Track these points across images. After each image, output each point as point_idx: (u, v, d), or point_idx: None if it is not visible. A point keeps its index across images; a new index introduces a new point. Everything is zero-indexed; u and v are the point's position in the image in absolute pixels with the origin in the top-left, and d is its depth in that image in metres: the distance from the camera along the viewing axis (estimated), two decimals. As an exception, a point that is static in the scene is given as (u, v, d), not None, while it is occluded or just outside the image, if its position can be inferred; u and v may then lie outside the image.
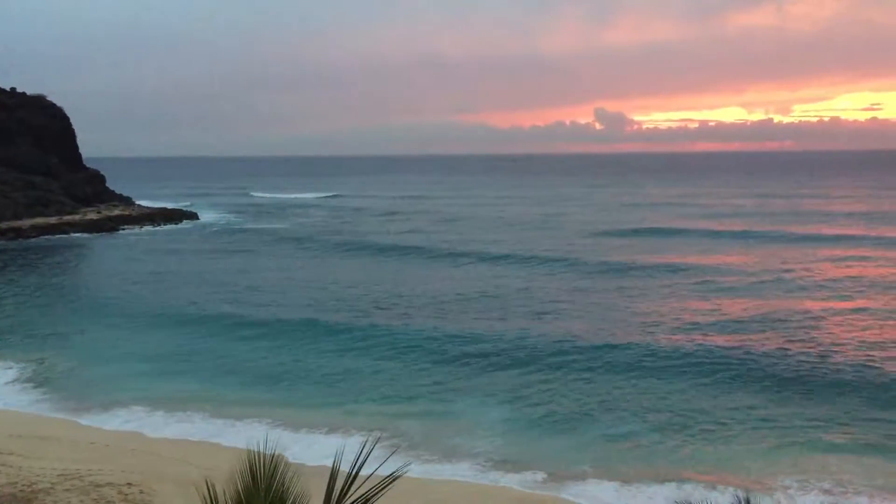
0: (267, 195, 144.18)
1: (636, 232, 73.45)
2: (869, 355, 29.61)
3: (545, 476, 20.29)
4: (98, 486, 18.80)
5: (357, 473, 6.64)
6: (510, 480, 20.26)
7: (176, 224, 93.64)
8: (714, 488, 18.48)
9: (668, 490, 18.51)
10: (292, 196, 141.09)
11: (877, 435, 21.91)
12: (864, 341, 31.55)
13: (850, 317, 35.88)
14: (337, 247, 67.20)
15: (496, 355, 31.53)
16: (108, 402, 27.03)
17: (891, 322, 34.84)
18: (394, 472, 6.82)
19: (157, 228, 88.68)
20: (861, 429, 22.44)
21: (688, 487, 18.58)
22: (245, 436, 23.07)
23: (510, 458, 21.67)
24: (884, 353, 29.72)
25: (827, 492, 18.09)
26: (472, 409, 26.00)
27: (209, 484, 6.56)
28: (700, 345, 32.07)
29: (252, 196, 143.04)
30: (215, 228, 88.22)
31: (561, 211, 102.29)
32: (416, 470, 20.43)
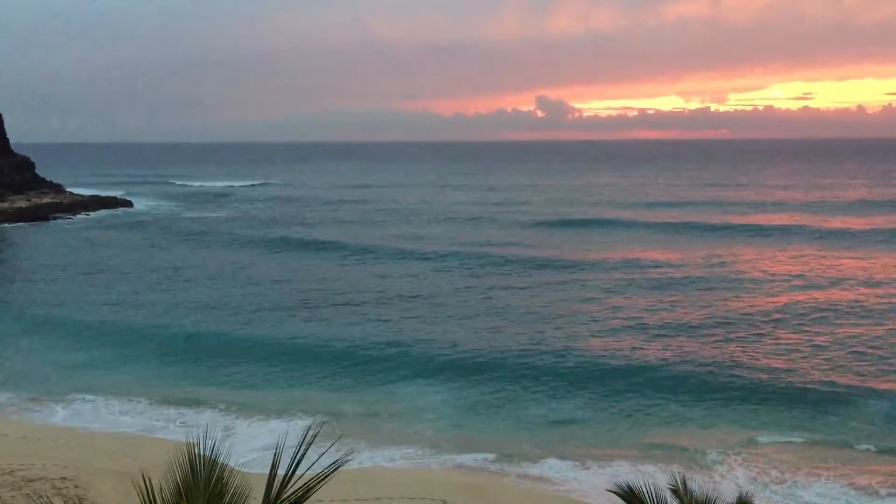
0: (200, 183, 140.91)
1: (574, 223, 73.05)
2: (798, 350, 30.48)
3: (495, 456, 21.01)
4: (30, 480, 18.29)
5: (298, 463, 6.57)
6: (462, 460, 20.83)
7: (110, 212, 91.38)
8: (656, 467, 19.78)
9: (619, 469, 19.63)
10: (226, 184, 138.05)
11: (795, 422, 23.18)
12: (798, 337, 32.15)
13: (787, 312, 36.19)
14: (268, 240, 64.72)
15: (435, 348, 31.62)
16: (41, 397, 26.35)
17: (824, 317, 35.31)
18: (336, 462, 6.76)
19: (91, 217, 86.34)
20: (782, 417, 23.62)
21: (644, 467, 19.77)
22: (184, 428, 22.80)
23: (459, 439, 22.30)
24: (814, 349, 30.56)
25: (745, 465, 20.04)
26: (416, 397, 26.28)
27: (146, 477, 6.41)
28: (634, 337, 32.83)
29: (186, 184, 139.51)
30: (149, 217, 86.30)
31: (498, 200, 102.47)
32: (363, 456, 20.70)
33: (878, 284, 42.34)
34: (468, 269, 49.68)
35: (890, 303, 37.77)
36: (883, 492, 18.20)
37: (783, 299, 39.09)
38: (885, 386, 25.91)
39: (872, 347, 30.26)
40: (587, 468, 20.22)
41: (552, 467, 20.34)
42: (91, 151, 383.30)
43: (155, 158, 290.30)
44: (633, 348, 30.82)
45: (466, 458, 21.01)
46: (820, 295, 39.72)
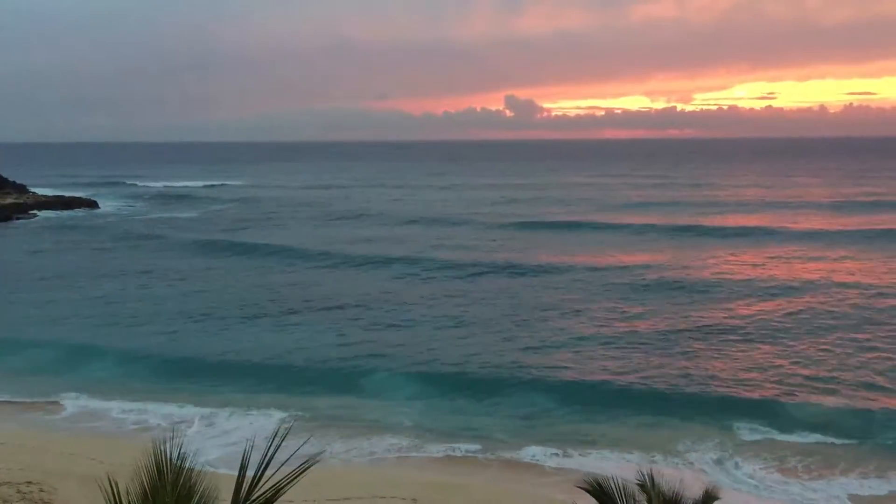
0: (169, 184, 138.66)
1: (543, 226, 71.68)
2: (761, 354, 30.78)
3: (480, 447, 22.01)
4: (-6, 486, 18.01)
5: (268, 464, 6.53)
6: (448, 450, 21.79)
7: (74, 212, 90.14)
8: (633, 454, 21.43)
9: (599, 456, 21.32)
10: (196, 184, 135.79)
11: (748, 420, 23.89)
12: (760, 342, 31.88)
13: (753, 317, 35.73)
14: (236, 243, 61.97)
15: (408, 351, 31.62)
16: (4, 400, 25.97)
17: (788, 326, 34.36)
18: (305, 462, 6.73)
19: (55, 217, 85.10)
20: (742, 415, 24.24)
21: (623, 454, 21.49)
22: (151, 429, 22.60)
23: (436, 432, 23.06)
24: (778, 354, 30.60)
25: (714, 450, 21.87)
26: (390, 397, 26.39)
27: (112, 480, 6.34)
28: (604, 339, 32.78)
29: (155, 185, 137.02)
30: (114, 218, 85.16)
31: (467, 199, 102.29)
32: (335, 454, 21.12)
33: (850, 286, 42.03)
34: (437, 272, 48.79)
35: (859, 312, 36.95)
36: (805, 477, 20.26)
37: (752, 303, 38.96)
38: (840, 391, 26.42)
39: (831, 353, 30.31)
40: (569, 456, 21.33)
41: (533, 454, 21.46)
42: (60, 151, 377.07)
43: (123, 158, 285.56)
44: (605, 348, 31.14)
45: (457, 447, 21.96)
46: (787, 301, 39.16)
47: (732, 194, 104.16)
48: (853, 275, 45.94)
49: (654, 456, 21.24)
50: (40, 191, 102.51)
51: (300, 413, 24.53)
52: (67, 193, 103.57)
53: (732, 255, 54.16)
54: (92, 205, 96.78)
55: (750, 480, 20.05)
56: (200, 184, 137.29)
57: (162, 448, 6.54)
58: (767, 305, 38.37)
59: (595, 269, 48.80)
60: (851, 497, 19.15)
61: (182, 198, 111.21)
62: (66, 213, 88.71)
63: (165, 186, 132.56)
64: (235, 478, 6.56)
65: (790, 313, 36.57)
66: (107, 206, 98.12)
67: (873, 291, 41.00)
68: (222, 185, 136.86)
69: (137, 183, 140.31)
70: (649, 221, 72.37)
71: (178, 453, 6.58)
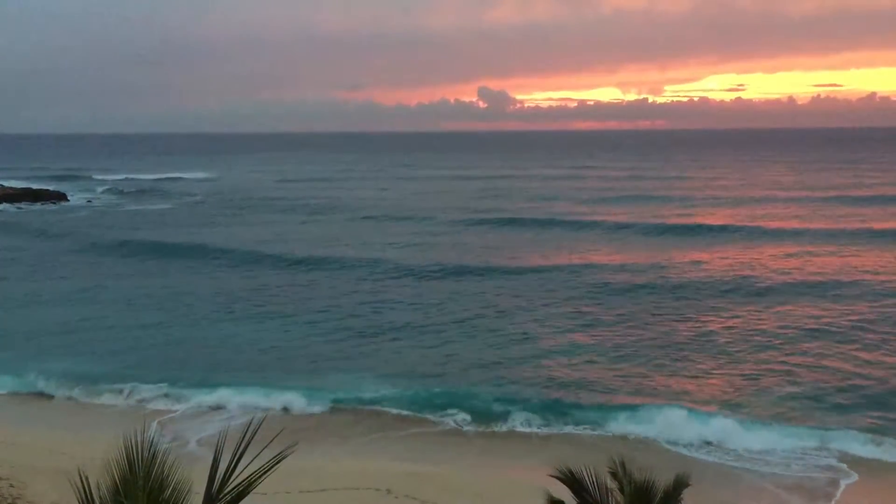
0: (138, 176, 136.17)
1: (515, 222, 69.39)
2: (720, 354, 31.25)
3: (468, 418, 23.63)
4: (-37, 482, 17.79)
5: (240, 457, 6.50)
6: (422, 441, 22.60)
7: (42, 205, 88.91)
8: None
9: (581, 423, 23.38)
10: (165, 176, 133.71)
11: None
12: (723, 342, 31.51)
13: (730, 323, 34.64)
14: (209, 244, 58.65)
15: (380, 350, 32.05)
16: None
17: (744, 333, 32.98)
18: (278, 454, 6.71)
19: (21, 210, 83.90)
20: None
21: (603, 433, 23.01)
22: (123, 422, 22.38)
23: (413, 422, 23.77)
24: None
25: (690, 432, 22.97)
26: (358, 387, 26.42)
27: (82, 475, 6.28)
28: (568, 339, 32.89)
29: (126, 177, 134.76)
30: (85, 212, 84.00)
31: (438, 191, 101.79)
32: (312, 440, 21.38)
33: (828, 286, 41.07)
34: (407, 273, 46.85)
35: (837, 312, 35.82)
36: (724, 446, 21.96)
37: (726, 303, 38.24)
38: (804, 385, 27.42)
39: (798, 351, 30.33)
40: (549, 424, 23.20)
41: (518, 419, 23.40)
42: (26, 143, 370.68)
43: (86, 150, 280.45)
44: (576, 350, 31.12)
45: (452, 418, 23.54)
46: (758, 300, 38.49)
47: (705, 186, 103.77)
48: (831, 273, 44.73)
49: (629, 429, 22.75)
50: (6, 183, 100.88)
51: (274, 406, 24.47)
52: (34, 185, 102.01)
53: (706, 253, 52.82)
54: (61, 197, 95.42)
55: (726, 457, 21.30)
56: (167, 176, 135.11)
57: (134, 441, 6.49)
58: (741, 307, 37.53)
59: (567, 269, 47.26)
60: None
61: (152, 191, 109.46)
62: (34, 206, 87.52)
63: (131, 179, 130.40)
64: (208, 470, 6.53)
65: (763, 312, 36.14)
66: (76, 199, 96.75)
67: (856, 290, 39.97)
68: (192, 178, 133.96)
69: (105, 177, 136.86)
70: (621, 219, 70.25)
71: (151, 446, 6.53)
